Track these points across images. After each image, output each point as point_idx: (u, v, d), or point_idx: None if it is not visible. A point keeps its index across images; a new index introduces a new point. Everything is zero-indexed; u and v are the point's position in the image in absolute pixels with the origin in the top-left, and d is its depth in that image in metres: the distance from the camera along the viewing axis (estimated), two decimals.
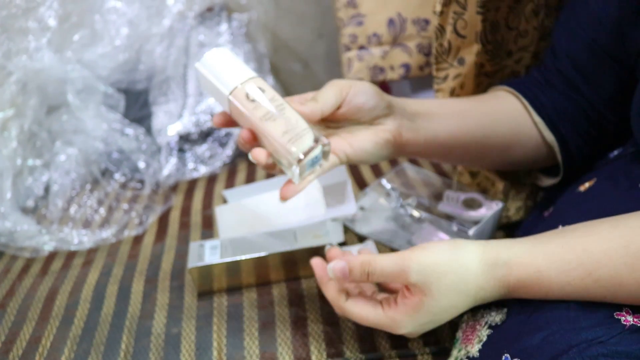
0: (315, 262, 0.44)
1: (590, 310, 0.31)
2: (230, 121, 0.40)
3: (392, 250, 0.57)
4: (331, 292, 0.40)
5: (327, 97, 0.40)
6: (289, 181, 0.39)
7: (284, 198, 0.40)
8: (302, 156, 0.37)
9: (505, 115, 0.50)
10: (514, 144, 0.51)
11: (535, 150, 0.52)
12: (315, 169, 0.39)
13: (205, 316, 0.49)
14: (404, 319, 0.35)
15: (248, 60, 0.85)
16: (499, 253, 0.34)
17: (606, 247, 0.31)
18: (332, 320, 0.48)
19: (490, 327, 0.35)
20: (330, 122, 0.43)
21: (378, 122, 0.44)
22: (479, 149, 0.50)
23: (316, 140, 0.37)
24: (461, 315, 0.40)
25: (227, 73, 0.38)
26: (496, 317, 0.36)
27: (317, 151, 0.37)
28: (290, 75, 1.02)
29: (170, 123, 0.78)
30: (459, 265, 0.34)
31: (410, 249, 0.36)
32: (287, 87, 1.03)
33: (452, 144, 0.48)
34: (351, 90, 0.41)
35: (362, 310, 0.38)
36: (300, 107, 0.39)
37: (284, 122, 0.37)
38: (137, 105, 0.82)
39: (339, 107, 0.41)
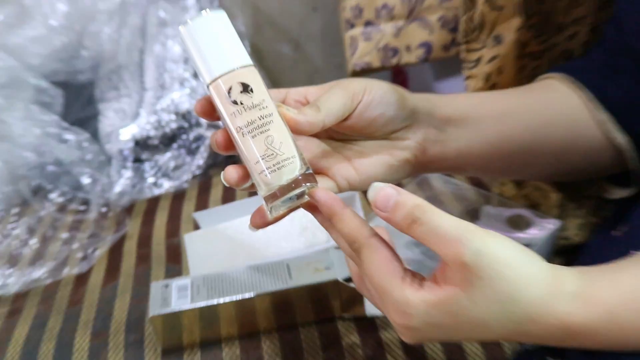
0: (321, 191, 0.39)
1: None
2: (212, 112, 0.39)
3: None
4: (353, 220, 0.37)
5: (333, 105, 0.39)
6: (262, 208, 0.39)
7: (253, 227, 0.40)
8: (277, 193, 0.37)
9: (560, 114, 0.50)
10: (571, 150, 0.51)
11: (598, 156, 0.51)
12: (293, 204, 0.39)
13: None
14: (420, 307, 0.33)
15: None
16: (564, 283, 0.33)
17: None
18: None
19: None
20: (332, 132, 0.42)
21: (396, 137, 0.43)
22: (525, 159, 0.50)
23: (301, 177, 0.37)
24: None
25: (214, 52, 0.37)
26: None
27: (297, 191, 0.37)
28: (277, 59, 1.04)
29: (123, 125, 0.78)
30: (520, 276, 0.32)
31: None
32: (273, 75, 1.04)
33: (491, 156, 0.48)
34: (365, 97, 0.40)
35: (384, 262, 0.35)
36: (296, 115, 0.38)
37: (263, 144, 0.36)
38: (79, 102, 0.84)
39: (346, 118, 0.40)
